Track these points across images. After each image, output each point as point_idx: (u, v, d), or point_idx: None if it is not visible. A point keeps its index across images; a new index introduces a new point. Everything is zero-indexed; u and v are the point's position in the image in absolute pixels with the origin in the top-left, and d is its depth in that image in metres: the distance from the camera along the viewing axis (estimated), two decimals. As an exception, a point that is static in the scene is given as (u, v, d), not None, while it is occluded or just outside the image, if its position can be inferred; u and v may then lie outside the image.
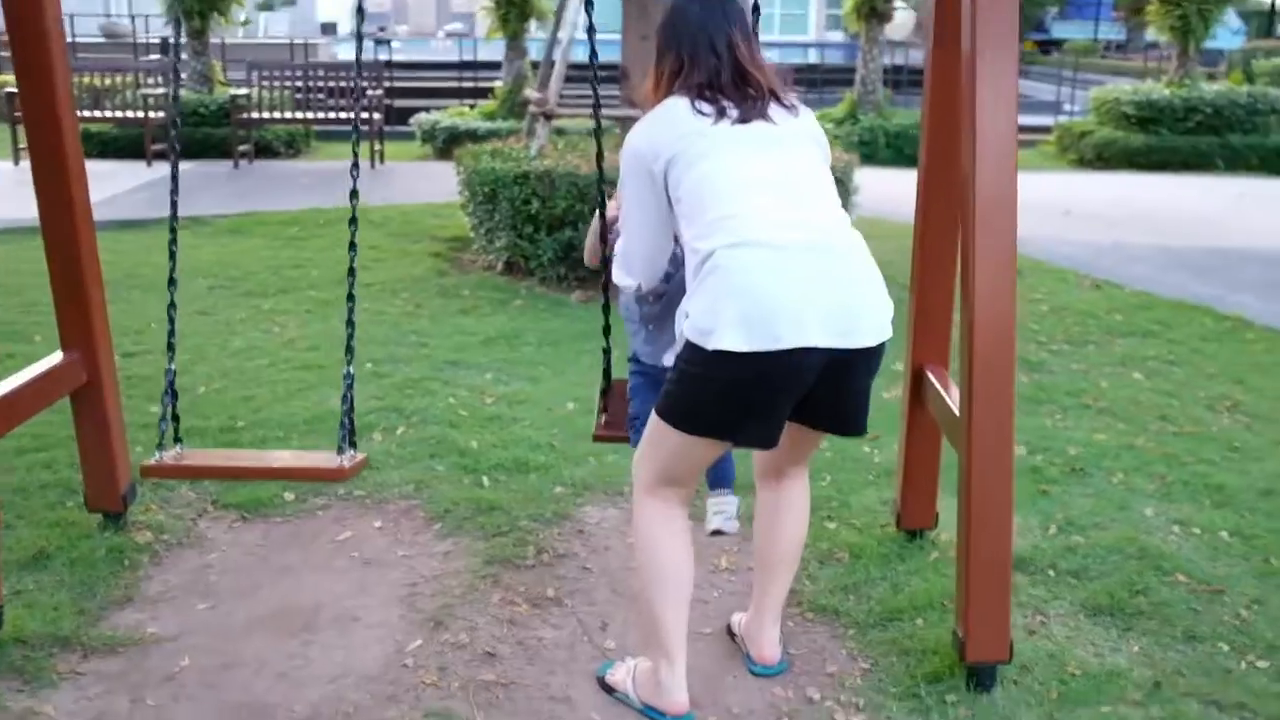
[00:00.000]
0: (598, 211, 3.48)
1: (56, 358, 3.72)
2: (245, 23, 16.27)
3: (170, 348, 3.79)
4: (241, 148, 13.87)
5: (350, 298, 3.70)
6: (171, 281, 3.83)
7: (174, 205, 3.79)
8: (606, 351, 3.72)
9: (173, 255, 3.78)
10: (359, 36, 3.72)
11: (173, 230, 3.78)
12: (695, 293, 2.81)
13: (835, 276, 2.80)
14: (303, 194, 11.62)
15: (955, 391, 3.47)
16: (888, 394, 5.74)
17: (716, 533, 3.40)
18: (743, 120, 2.91)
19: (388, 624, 3.55)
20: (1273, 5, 36.76)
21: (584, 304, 7.44)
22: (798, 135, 2.98)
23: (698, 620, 3.61)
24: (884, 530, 4.17)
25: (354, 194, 3.75)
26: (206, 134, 14.28)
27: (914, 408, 3.90)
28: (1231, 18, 28.51)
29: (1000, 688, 3.21)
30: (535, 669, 3.33)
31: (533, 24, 15.34)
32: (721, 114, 2.90)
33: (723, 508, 3.40)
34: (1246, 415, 5.57)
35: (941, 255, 3.78)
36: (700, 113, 2.90)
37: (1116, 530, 4.20)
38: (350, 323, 3.67)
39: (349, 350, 3.67)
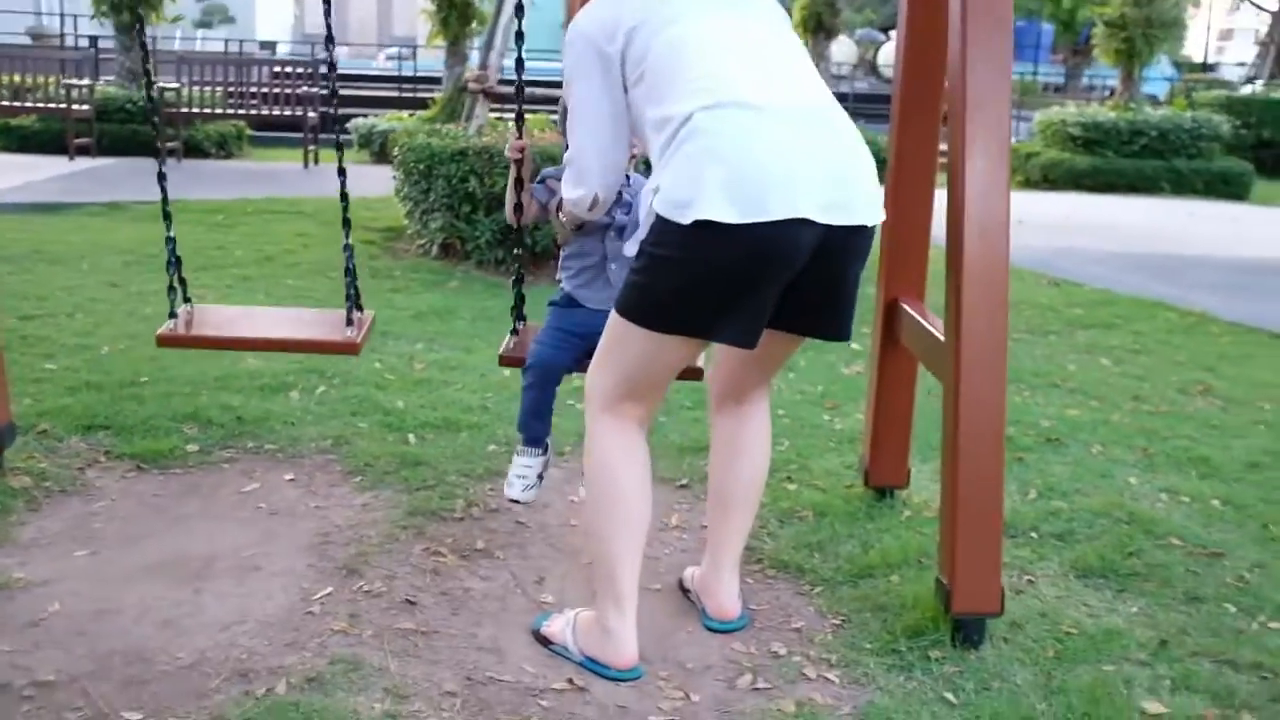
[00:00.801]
0: (512, 158, 3.19)
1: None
2: (177, 19, 15.72)
3: (166, 216, 3.64)
4: (170, 145, 13.33)
5: (341, 171, 3.53)
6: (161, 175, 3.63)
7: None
8: (520, 280, 3.51)
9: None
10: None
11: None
12: (668, 162, 2.42)
13: (827, 145, 2.44)
14: (231, 187, 11.12)
15: (936, 322, 3.11)
16: (847, 369, 5.40)
17: (513, 502, 3.32)
18: None
19: (293, 572, 3.11)
20: (1206, 55, 37.48)
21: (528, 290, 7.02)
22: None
23: (647, 576, 3.19)
24: (850, 490, 3.80)
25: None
26: (134, 131, 13.71)
27: (886, 346, 3.54)
28: (1165, 64, 28.92)
29: (989, 645, 2.83)
30: (460, 619, 2.91)
31: (474, 29, 14.95)
32: None
33: (526, 470, 3.27)
34: (1220, 399, 5.28)
35: (917, 181, 3.44)
36: None
37: (1101, 496, 3.86)
38: (344, 195, 3.50)
39: (345, 224, 3.51)
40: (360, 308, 3.58)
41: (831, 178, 2.41)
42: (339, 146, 3.60)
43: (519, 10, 3.23)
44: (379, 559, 3.19)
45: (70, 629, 2.77)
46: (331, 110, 3.64)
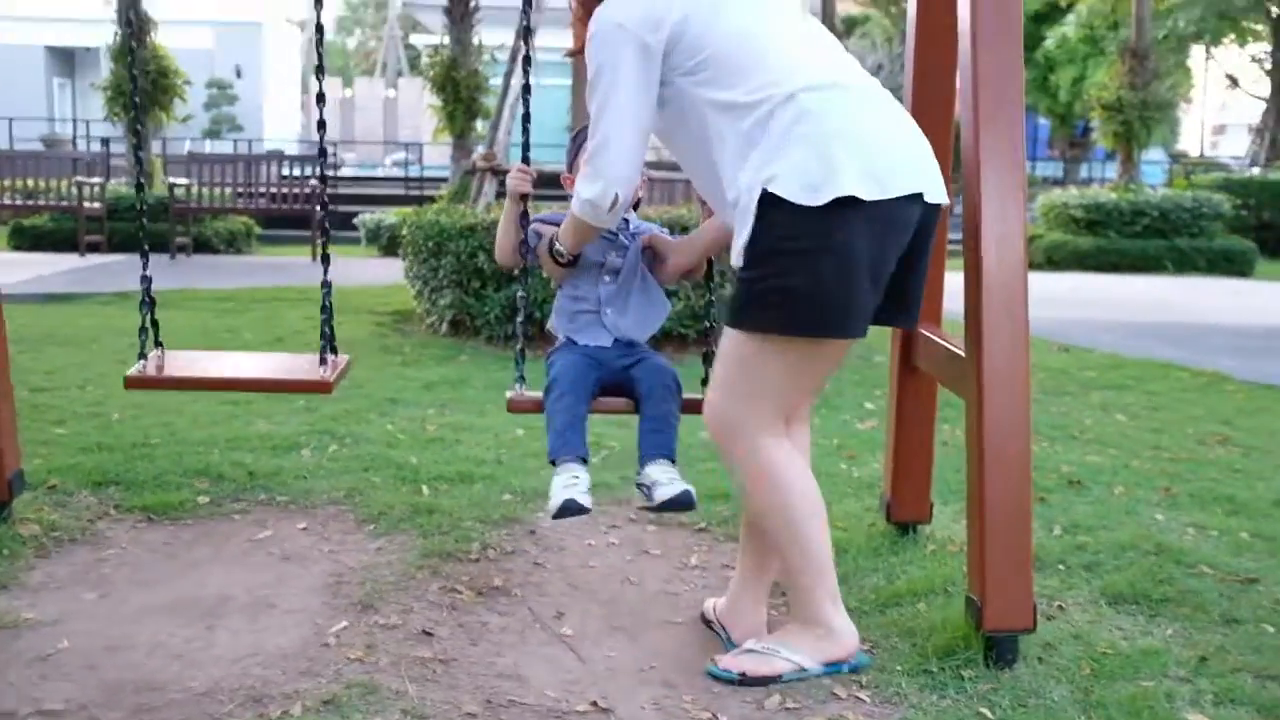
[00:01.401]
0: (511, 190, 3.04)
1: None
2: (188, 118, 15.97)
3: (144, 255, 3.43)
4: (180, 240, 13.44)
5: (324, 205, 3.51)
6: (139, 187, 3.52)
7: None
8: (528, 318, 3.24)
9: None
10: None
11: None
12: (779, 146, 2.38)
13: (911, 125, 2.51)
14: (240, 278, 11.18)
15: (956, 340, 3.08)
16: (862, 424, 5.36)
17: (566, 511, 2.75)
18: None
19: (307, 609, 3.05)
20: (1201, 149, 37.91)
21: (534, 360, 6.98)
22: None
23: (669, 610, 3.17)
24: (872, 529, 3.73)
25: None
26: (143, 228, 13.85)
27: (904, 374, 3.50)
28: (1159, 154, 29.24)
29: (1023, 664, 2.75)
30: (479, 649, 2.84)
31: (479, 124, 15.14)
32: None
33: (573, 481, 2.78)
34: (1240, 447, 5.22)
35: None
36: None
37: (1127, 531, 3.79)
38: (325, 230, 3.52)
39: (324, 259, 3.40)
40: (335, 350, 3.44)
41: (925, 155, 2.49)
42: (323, 179, 3.58)
43: (525, 90, 3.15)
44: (394, 596, 3.13)
45: (80, 663, 2.70)
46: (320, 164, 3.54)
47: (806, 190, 2.34)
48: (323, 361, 3.40)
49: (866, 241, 2.38)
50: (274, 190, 14.20)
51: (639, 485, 2.87)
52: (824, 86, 2.42)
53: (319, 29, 3.30)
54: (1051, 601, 3.18)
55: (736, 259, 2.54)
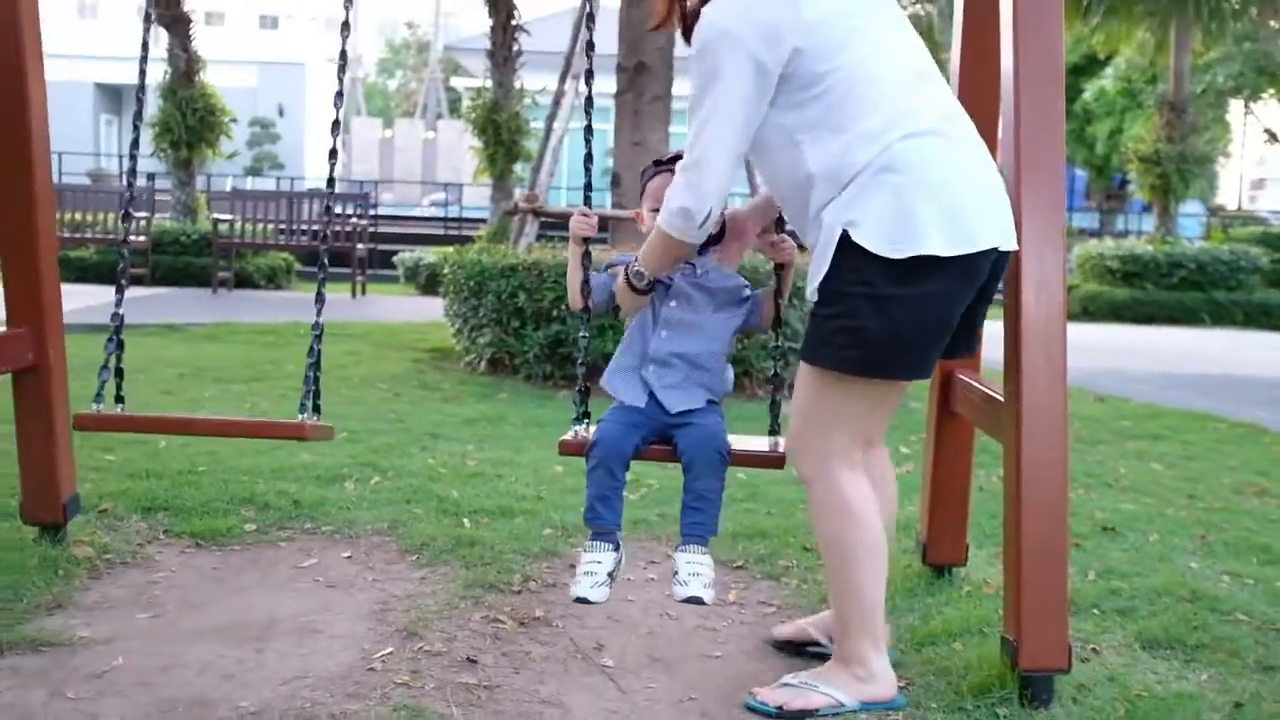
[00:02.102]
0: (573, 234, 2.96)
1: (1, 329, 3.36)
2: (232, 155, 16.25)
3: (119, 288, 3.23)
4: (222, 274, 13.65)
5: (324, 239, 3.29)
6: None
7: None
8: (585, 365, 3.01)
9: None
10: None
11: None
12: (866, 192, 2.43)
13: (995, 171, 2.58)
14: (281, 313, 11.34)
15: (995, 385, 3.13)
16: (899, 468, 5.39)
17: (580, 601, 2.79)
18: None
19: (353, 635, 3.11)
20: (1239, 202, 37.81)
21: (563, 398, 7.09)
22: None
23: (708, 644, 3.22)
24: (908, 570, 3.77)
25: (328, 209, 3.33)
26: (187, 262, 14.12)
27: (942, 419, 3.55)
28: (1197, 206, 29.15)
29: (1058, 705, 2.78)
30: (522, 677, 2.89)
31: (518, 166, 15.34)
32: None
33: (595, 566, 2.80)
34: (1277, 498, 5.22)
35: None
36: None
37: (1161, 577, 3.81)
38: (322, 265, 3.26)
39: (319, 298, 3.18)
40: (318, 408, 3.11)
41: (1005, 205, 2.58)
42: (328, 210, 3.32)
43: (588, 131, 2.99)
44: (438, 624, 3.19)
45: (134, 680, 2.77)
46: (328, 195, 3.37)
47: (887, 243, 2.39)
48: (301, 410, 3.08)
49: (942, 292, 2.45)
50: (315, 227, 14.42)
51: (674, 572, 2.83)
52: (924, 133, 2.45)
53: (343, 55, 3.24)
54: (1086, 644, 3.21)
55: (812, 294, 2.60)
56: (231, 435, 3.71)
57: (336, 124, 3.20)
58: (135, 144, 3.32)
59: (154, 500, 4.19)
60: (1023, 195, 2.76)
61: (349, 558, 3.78)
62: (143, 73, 3.23)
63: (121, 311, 3.21)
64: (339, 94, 3.25)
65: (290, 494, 4.37)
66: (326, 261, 3.23)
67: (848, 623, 2.75)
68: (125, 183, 3.36)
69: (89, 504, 4.04)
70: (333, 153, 3.26)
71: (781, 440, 2.95)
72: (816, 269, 2.56)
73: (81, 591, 3.34)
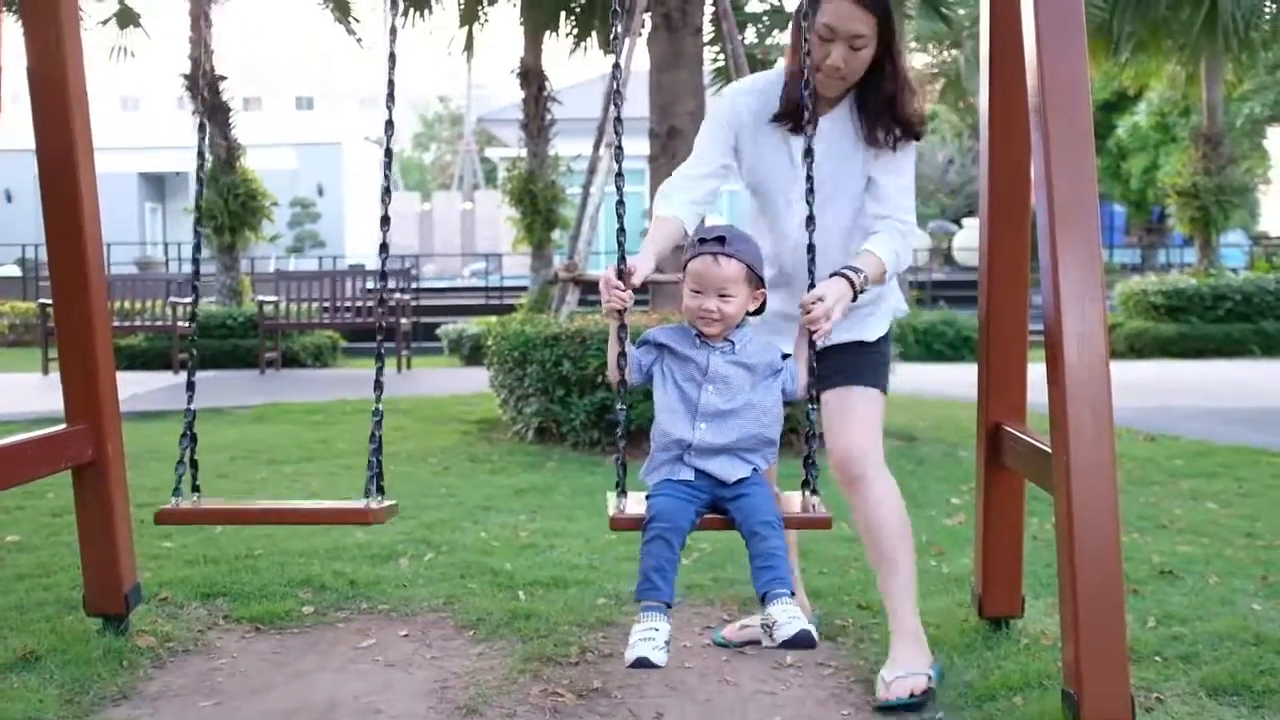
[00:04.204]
0: (606, 309, 2.94)
1: (61, 426, 3.43)
2: (275, 238, 16.52)
3: (190, 386, 3.34)
4: (268, 355, 13.83)
5: (381, 329, 3.22)
6: (195, 276, 3.44)
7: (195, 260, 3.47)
8: (624, 436, 2.99)
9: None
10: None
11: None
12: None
13: None
14: (328, 391, 11.46)
15: (1042, 437, 3.13)
16: (949, 519, 5.38)
17: (640, 665, 2.70)
18: None
19: (414, 714, 3.14)
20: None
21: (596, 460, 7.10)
22: None
23: (765, 710, 3.21)
24: (964, 624, 3.75)
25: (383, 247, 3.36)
26: (234, 345, 14.31)
27: (991, 472, 3.54)
28: (1239, 236, 28.93)
29: (1122, 757, 2.76)
30: (584, 750, 2.90)
31: (556, 233, 15.50)
32: None
33: (652, 633, 2.72)
34: (1339, 535, 5.15)
35: (1010, 307, 3.50)
36: None
37: (1224, 621, 3.77)
38: (379, 355, 3.19)
39: (378, 385, 3.13)
40: (382, 489, 3.07)
41: None
42: (383, 275, 3.32)
43: (619, 205, 2.98)
44: (498, 700, 3.21)
45: (201, 770, 2.81)
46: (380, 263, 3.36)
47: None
48: (367, 494, 3.04)
49: None
50: (358, 304, 14.62)
51: (763, 625, 2.75)
52: None
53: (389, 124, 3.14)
54: (1149, 693, 3.18)
55: (873, 335, 3.43)
56: (302, 524, 3.89)
57: (387, 191, 3.17)
58: (195, 274, 3.41)
59: (212, 586, 4.25)
60: (1059, 251, 2.78)
61: (406, 636, 3.81)
62: (200, 165, 3.28)
63: (194, 407, 3.25)
64: (387, 149, 3.15)
65: (346, 574, 4.41)
66: (381, 351, 3.19)
67: (906, 597, 3.32)
68: (193, 296, 3.45)
69: (149, 592, 4.10)
70: (384, 219, 3.24)
71: (819, 501, 2.93)
72: (880, 318, 3.45)
73: (145, 681, 3.39)
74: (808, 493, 2.95)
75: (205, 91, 3.20)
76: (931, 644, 3.57)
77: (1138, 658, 3.44)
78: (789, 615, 2.69)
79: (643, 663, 2.67)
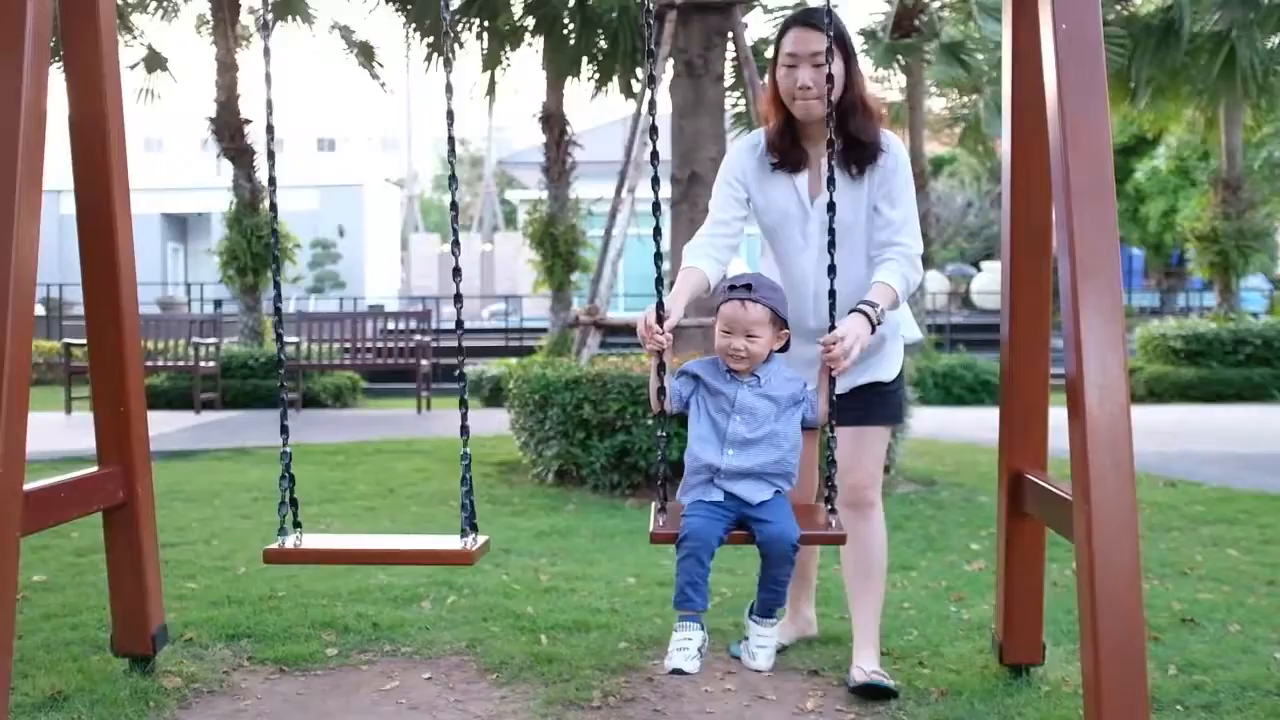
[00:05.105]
0: (647, 345, 3.19)
1: (92, 468, 3.49)
2: (297, 279, 16.65)
3: (284, 430, 3.38)
4: (289, 396, 13.88)
5: (461, 376, 3.35)
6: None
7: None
8: (663, 458, 3.25)
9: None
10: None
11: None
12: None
13: None
14: (349, 432, 11.54)
15: (1064, 485, 3.15)
16: (969, 565, 5.39)
17: (676, 673, 3.11)
18: None
19: (439, 757, 3.16)
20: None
21: (639, 509, 7.12)
22: None
23: (787, 755, 3.21)
24: (985, 671, 3.76)
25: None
26: (255, 385, 14.39)
27: (1012, 519, 3.56)
28: (1260, 279, 28.84)
29: (1145, 807, 2.77)
30: (607, 795, 2.92)
31: (576, 275, 15.57)
32: None
33: (686, 643, 3.10)
34: (1361, 583, 5.14)
35: (1032, 356, 3.54)
36: None
37: (1246, 670, 3.78)
38: (463, 400, 3.29)
39: (464, 430, 3.21)
40: (475, 527, 3.22)
41: None
42: (459, 324, 3.43)
43: (657, 259, 3.23)
44: (521, 743, 3.23)
45: (228, 811, 2.83)
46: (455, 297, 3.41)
47: (912, 329, 3.78)
48: (463, 534, 3.20)
49: None
50: (379, 345, 14.72)
51: (744, 638, 3.33)
52: None
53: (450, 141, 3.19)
54: (1172, 743, 3.19)
55: (889, 375, 3.71)
56: (403, 564, 4.13)
57: (455, 243, 3.28)
58: (278, 309, 3.60)
59: (237, 627, 4.28)
60: (1080, 301, 2.82)
61: (429, 679, 3.83)
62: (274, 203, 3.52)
63: (289, 449, 3.38)
64: (451, 177, 3.22)
65: (369, 616, 4.45)
66: (465, 395, 3.32)
67: (879, 616, 3.73)
68: (277, 336, 3.49)
69: (174, 633, 4.13)
70: (455, 270, 3.36)
71: (837, 519, 3.25)
72: (895, 358, 3.75)
73: (172, 723, 3.42)
74: (827, 509, 3.28)
75: (267, 139, 3.31)
76: (952, 690, 3.61)
77: (1159, 707, 3.45)
78: (759, 645, 3.26)
79: (678, 670, 3.06)
